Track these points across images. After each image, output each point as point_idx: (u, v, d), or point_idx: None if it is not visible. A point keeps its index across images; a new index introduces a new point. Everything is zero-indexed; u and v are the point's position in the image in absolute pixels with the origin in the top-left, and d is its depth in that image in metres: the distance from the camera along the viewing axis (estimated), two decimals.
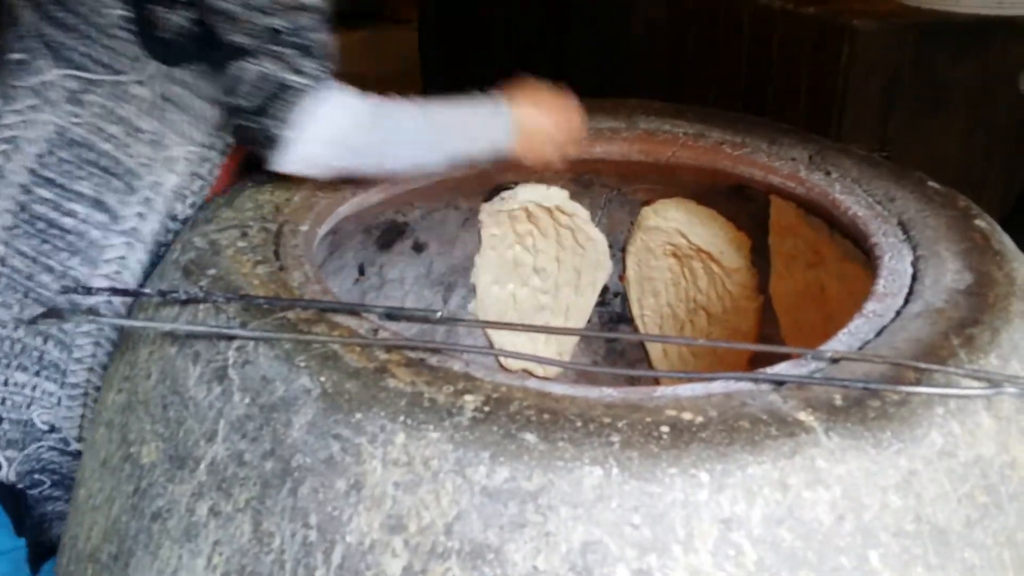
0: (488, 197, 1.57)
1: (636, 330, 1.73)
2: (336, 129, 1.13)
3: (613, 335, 1.80)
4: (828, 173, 1.31)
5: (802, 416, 0.81)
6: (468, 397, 0.82)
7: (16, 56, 1.17)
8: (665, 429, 0.79)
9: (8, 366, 1.18)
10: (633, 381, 1.51)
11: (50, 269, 1.16)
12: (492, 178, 1.52)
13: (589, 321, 1.73)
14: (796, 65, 2.16)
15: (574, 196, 1.59)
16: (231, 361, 0.91)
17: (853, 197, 1.24)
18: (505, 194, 1.56)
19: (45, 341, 1.19)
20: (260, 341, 0.91)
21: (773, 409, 0.82)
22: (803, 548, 0.75)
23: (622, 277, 1.72)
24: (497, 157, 1.29)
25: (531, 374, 1.61)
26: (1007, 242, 1.13)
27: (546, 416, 0.80)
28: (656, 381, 1.59)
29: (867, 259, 1.15)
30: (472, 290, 1.67)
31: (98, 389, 1.23)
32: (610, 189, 1.62)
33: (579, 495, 0.75)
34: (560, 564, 0.74)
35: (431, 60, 4.19)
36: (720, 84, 2.42)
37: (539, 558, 0.74)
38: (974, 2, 2.08)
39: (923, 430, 0.81)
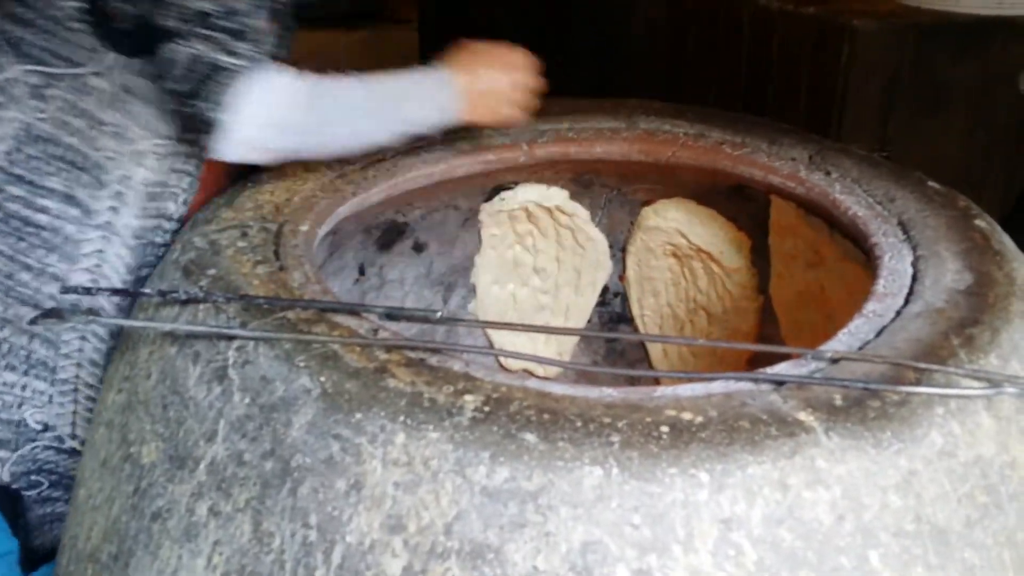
0: (488, 197, 1.57)
1: (636, 330, 1.73)
2: (273, 109, 1.11)
3: (613, 335, 1.80)
4: (828, 173, 1.31)
5: (802, 416, 0.81)
6: (468, 397, 0.83)
7: None
8: (665, 429, 0.79)
9: None
10: (633, 381, 1.51)
11: (28, 267, 1.16)
12: (493, 178, 1.52)
13: (589, 321, 1.73)
14: (796, 65, 2.16)
15: (574, 196, 1.59)
16: (231, 361, 0.91)
17: (853, 197, 1.24)
18: (505, 194, 1.56)
19: (31, 340, 1.18)
20: (260, 341, 0.91)
21: (773, 409, 0.82)
22: (803, 548, 0.75)
23: (622, 277, 1.72)
24: (447, 123, 1.27)
25: (531, 374, 1.61)
26: (1007, 242, 1.13)
27: (546, 416, 0.80)
28: (656, 381, 1.59)
29: (867, 259, 1.15)
30: (472, 290, 1.67)
31: (89, 386, 1.23)
32: (610, 189, 1.62)
33: (579, 495, 0.75)
34: (560, 564, 0.74)
35: (431, 60, 4.19)
36: (720, 84, 2.41)
37: (539, 558, 0.74)
38: (974, 2, 2.08)
39: (923, 430, 0.81)
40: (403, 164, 1.34)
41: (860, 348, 0.93)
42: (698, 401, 0.83)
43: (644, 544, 0.74)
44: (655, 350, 1.74)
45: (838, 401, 0.83)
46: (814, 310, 1.46)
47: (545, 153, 1.46)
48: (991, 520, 0.82)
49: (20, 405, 1.20)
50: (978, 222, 1.15)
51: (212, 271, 1.03)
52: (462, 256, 1.64)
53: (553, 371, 1.66)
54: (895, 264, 1.07)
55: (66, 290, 1.12)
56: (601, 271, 1.69)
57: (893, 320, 0.97)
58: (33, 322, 0.97)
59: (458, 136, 1.41)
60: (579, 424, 0.79)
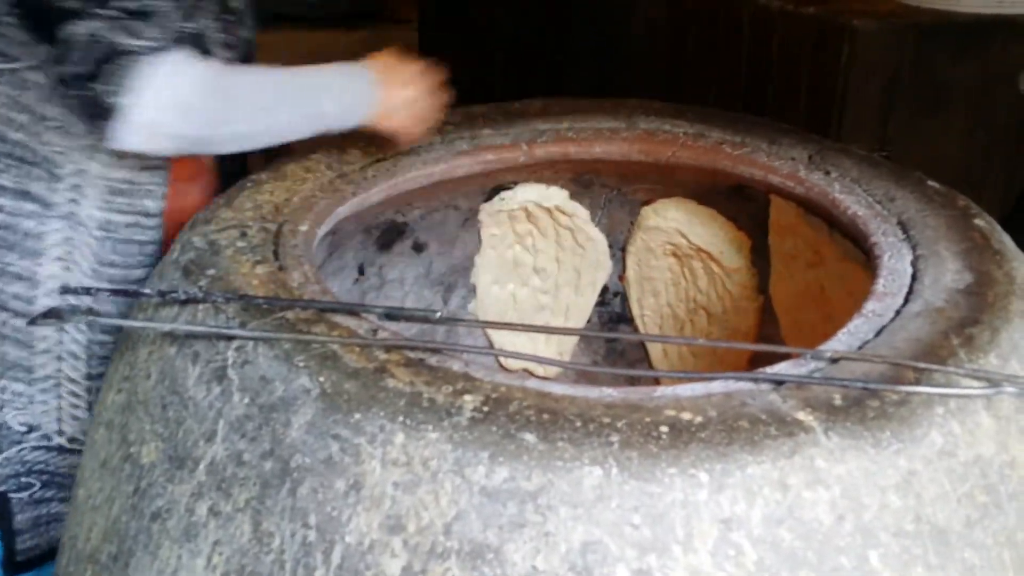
0: (488, 197, 1.57)
1: (636, 330, 1.73)
2: (174, 94, 1.08)
3: (613, 335, 1.80)
4: (828, 173, 1.31)
5: (801, 416, 0.81)
6: (467, 397, 0.82)
7: None
8: (664, 429, 0.79)
9: None
10: (633, 381, 1.51)
11: None
12: (492, 178, 1.52)
13: (589, 321, 1.73)
14: (796, 65, 2.16)
15: (574, 196, 1.59)
16: (230, 361, 0.91)
17: (853, 197, 1.24)
18: (505, 194, 1.56)
19: (2, 342, 1.18)
20: (259, 341, 0.91)
21: (773, 409, 0.82)
22: (803, 548, 0.75)
23: (622, 277, 1.72)
24: (361, 125, 1.24)
25: (531, 374, 1.61)
26: (1007, 241, 1.12)
27: (545, 416, 0.80)
28: (656, 381, 1.59)
29: (867, 259, 1.15)
30: (472, 290, 1.67)
31: (72, 380, 1.23)
32: (610, 189, 1.62)
33: (579, 495, 0.75)
34: (560, 564, 0.74)
35: (431, 60, 4.19)
36: (720, 84, 2.41)
37: (538, 558, 0.74)
38: (974, 2, 2.08)
39: (923, 430, 0.81)
40: (403, 164, 1.34)
41: (860, 348, 0.93)
42: (698, 401, 0.83)
43: (644, 544, 0.74)
44: (655, 350, 1.74)
45: (838, 401, 0.83)
46: (814, 310, 1.46)
47: (545, 153, 1.46)
48: (991, 520, 0.82)
49: (0, 408, 1.20)
50: (978, 222, 1.15)
51: (211, 271, 1.03)
52: (462, 256, 1.64)
53: (553, 371, 1.66)
54: (895, 264, 1.07)
55: (65, 290, 1.12)
56: (601, 271, 1.69)
57: (893, 320, 0.97)
58: (32, 323, 0.97)
59: (457, 136, 1.41)
60: (579, 424, 0.79)
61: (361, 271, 1.53)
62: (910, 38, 2.04)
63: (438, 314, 1.00)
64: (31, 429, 1.24)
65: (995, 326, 0.94)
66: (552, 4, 3.24)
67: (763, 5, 2.24)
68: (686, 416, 0.81)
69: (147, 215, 1.21)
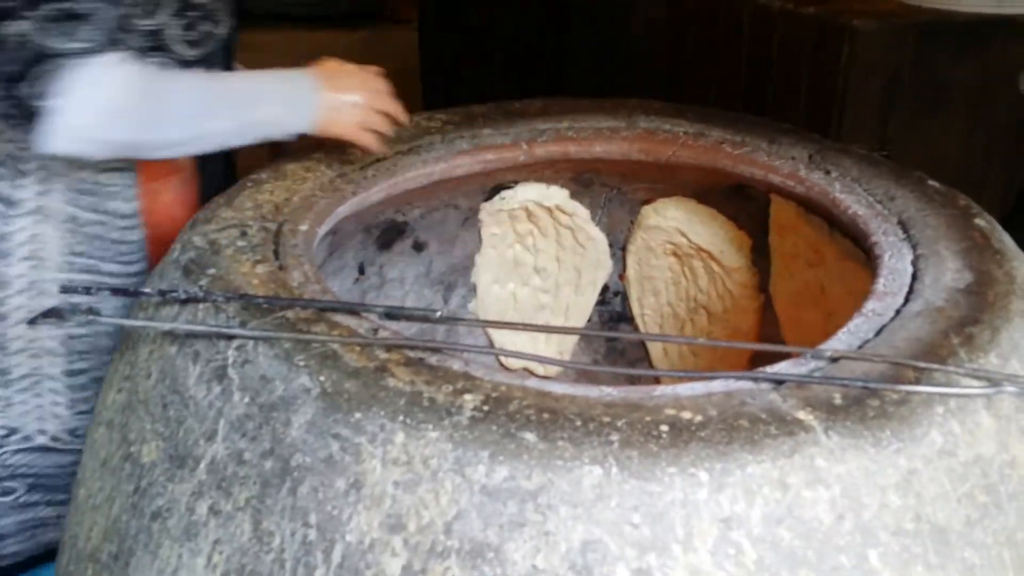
0: (488, 196, 1.57)
1: (636, 329, 1.73)
2: (102, 98, 1.06)
3: (613, 334, 1.80)
4: (828, 172, 1.31)
5: (801, 415, 0.81)
6: (467, 396, 0.82)
7: None
8: (664, 428, 0.79)
9: None
10: (633, 380, 1.51)
11: None
12: (492, 177, 1.53)
13: (589, 320, 1.73)
14: (796, 65, 2.16)
15: (574, 195, 1.59)
16: (231, 360, 0.91)
17: (853, 196, 1.24)
18: (505, 193, 1.56)
19: None
20: (260, 340, 0.91)
21: (773, 408, 0.82)
22: (803, 547, 0.75)
23: (622, 276, 1.72)
24: (302, 131, 1.22)
25: (531, 373, 1.61)
26: (1007, 241, 1.13)
27: (545, 415, 0.80)
28: (656, 380, 1.59)
29: (867, 258, 1.15)
30: (472, 289, 1.67)
31: (52, 377, 1.22)
32: (610, 188, 1.62)
33: (579, 494, 0.75)
34: (560, 563, 0.74)
35: (431, 60, 4.19)
36: (720, 84, 2.41)
37: (538, 557, 0.74)
38: (974, 1, 2.08)
39: (923, 429, 0.81)
40: (403, 163, 1.34)
41: (860, 347, 0.93)
42: (698, 400, 0.83)
43: (644, 543, 0.74)
44: (655, 349, 1.74)
45: (837, 400, 0.83)
46: (814, 309, 1.46)
47: (545, 152, 1.46)
48: (991, 519, 0.82)
49: None
50: (978, 221, 1.15)
51: (212, 270, 1.03)
52: (462, 255, 1.64)
53: (553, 370, 1.66)
54: (895, 263, 1.07)
55: (65, 289, 1.11)
56: (601, 270, 1.69)
57: (893, 319, 0.97)
58: (32, 322, 0.96)
59: (457, 135, 1.41)
60: (579, 423, 0.79)
61: (361, 270, 1.53)
62: (910, 38, 2.04)
63: (438, 313, 1.00)
64: (11, 432, 1.23)
65: (995, 325, 0.94)
66: (552, 4, 3.24)
67: (763, 5, 2.24)
68: (686, 415, 0.81)
69: (119, 216, 1.20)
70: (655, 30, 2.69)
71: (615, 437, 0.78)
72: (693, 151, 1.42)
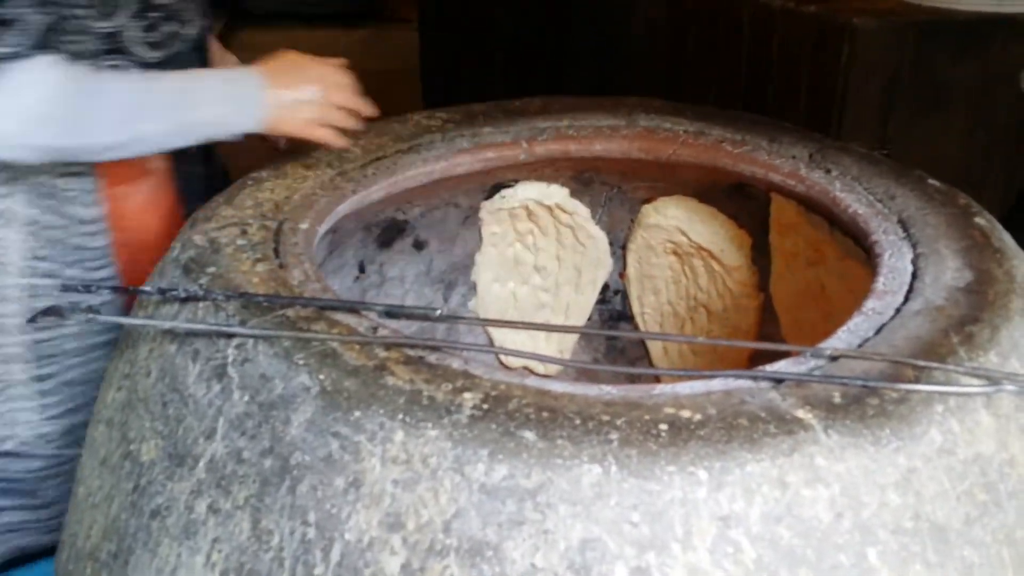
0: (488, 195, 1.57)
1: (636, 328, 1.73)
2: (29, 103, 1.05)
3: (613, 333, 1.80)
4: (828, 171, 1.31)
5: (801, 414, 0.81)
6: (467, 395, 0.82)
7: None
8: (664, 427, 0.79)
9: None
10: (633, 379, 1.51)
11: None
12: (493, 175, 1.53)
13: (589, 319, 1.73)
14: (796, 64, 2.16)
15: (574, 194, 1.59)
16: (230, 359, 0.91)
17: (853, 195, 1.24)
18: (505, 192, 1.56)
19: None
20: (259, 339, 0.91)
21: (772, 407, 0.82)
22: (802, 546, 0.75)
23: (622, 275, 1.72)
24: (248, 130, 1.20)
25: (531, 372, 1.61)
26: (1007, 240, 1.12)
27: (545, 414, 0.80)
28: (656, 379, 1.59)
29: (867, 257, 1.15)
30: (472, 288, 1.67)
31: (22, 382, 1.21)
32: (610, 187, 1.62)
33: (578, 493, 0.75)
34: (559, 562, 0.74)
35: (431, 60, 4.19)
36: (720, 84, 2.42)
37: (537, 556, 0.74)
38: (974, 0, 2.08)
39: (922, 428, 0.81)
40: (403, 162, 1.34)
41: (860, 346, 0.93)
42: (697, 399, 0.83)
43: (643, 542, 0.74)
44: (655, 348, 1.74)
45: (837, 399, 0.83)
46: (814, 308, 1.46)
47: (545, 151, 1.46)
48: (990, 518, 0.82)
49: None
50: (978, 220, 1.15)
51: (212, 269, 1.03)
52: (462, 254, 1.64)
53: (553, 369, 1.66)
54: (895, 262, 1.07)
55: (64, 287, 1.11)
56: (601, 269, 1.69)
57: (893, 318, 0.97)
58: (32, 319, 0.96)
59: (458, 134, 1.41)
60: (578, 422, 0.79)
61: (361, 269, 1.53)
62: (910, 37, 2.04)
63: (438, 312, 0.99)
64: None
65: (995, 324, 0.94)
66: (552, 4, 3.25)
67: (763, 4, 2.24)
68: (685, 414, 0.81)
69: (80, 221, 1.19)
70: (655, 30, 2.69)
71: (614, 436, 0.78)
72: (693, 150, 1.42)
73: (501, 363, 1.67)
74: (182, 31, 1.24)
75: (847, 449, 0.78)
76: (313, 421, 0.83)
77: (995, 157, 2.19)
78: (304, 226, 1.14)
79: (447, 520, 0.76)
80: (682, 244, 1.62)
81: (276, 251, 1.08)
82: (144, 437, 0.95)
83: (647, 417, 0.80)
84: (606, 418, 0.80)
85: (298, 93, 1.20)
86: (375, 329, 0.94)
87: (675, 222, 1.60)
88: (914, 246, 1.10)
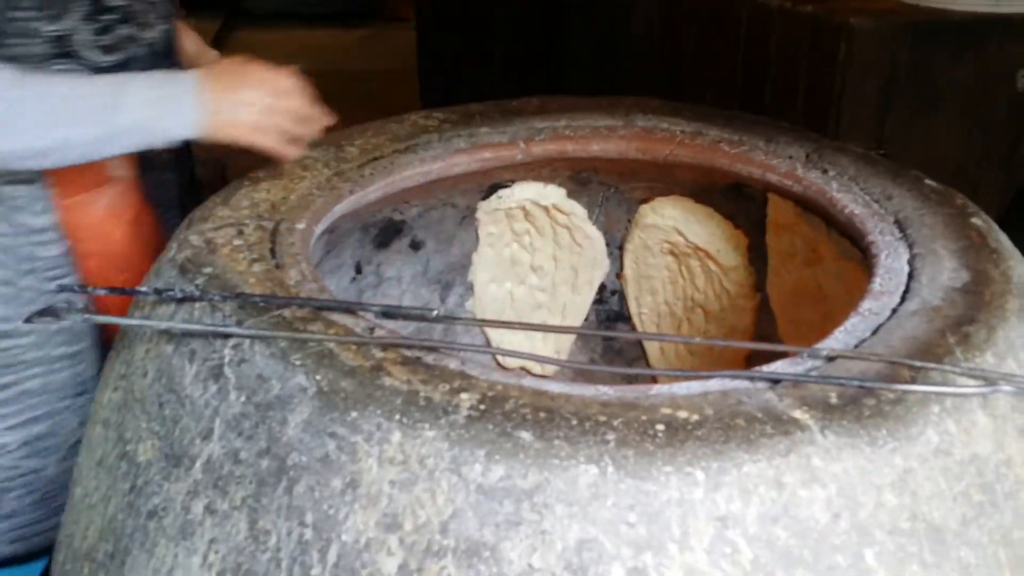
0: (485, 195, 1.57)
1: (633, 328, 1.73)
2: None
3: (610, 333, 1.80)
4: (825, 171, 1.31)
5: (798, 414, 0.81)
6: (464, 395, 0.82)
7: None
8: (661, 427, 0.79)
9: None
10: (630, 379, 1.51)
11: None
12: (490, 176, 1.52)
13: (586, 319, 1.73)
14: (793, 64, 2.17)
15: (571, 194, 1.59)
16: (227, 359, 0.90)
17: (850, 195, 1.24)
18: (502, 192, 1.56)
19: None
20: (256, 339, 0.91)
21: (769, 407, 0.82)
22: (799, 546, 0.75)
23: (619, 275, 1.72)
24: (183, 138, 1.14)
25: (528, 372, 1.61)
26: (1004, 240, 1.13)
27: (542, 414, 0.80)
28: (653, 379, 1.59)
29: (864, 257, 1.15)
30: (469, 288, 1.67)
31: None
32: (607, 187, 1.62)
33: (574, 493, 0.75)
34: (556, 562, 0.74)
35: (429, 59, 4.19)
36: (718, 84, 2.42)
37: (534, 556, 0.74)
38: (971, 1, 2.09)
39: (919, 428, 0.81)
40: (400, 162, 1.34)
41: (856, 346, 0.93)
42: (694, 399, 0.83)
43: (639, 542, 0.74)
44: (652, 348, 1.74)
45: (834, 399, 0.83)
46: (811, 308, 1.46)
47: (542, 151, 1.46)
48: (987, 518, 0.82)
49: None
50: (975, 220, 1.15)
51: (208, 269, 1.03)
52: (459, 254, 1.64)
53: (550, 369, 1.66)
54: (891, 262, 1.07)
55: (61, 288, 1.11)
56: (598, 269, 1.69)
57: (889, 318, 0.97)
58: (28, 320, 0.96)
59: (455, 134, 1.41)
60: (575, 422, 0.79)
61: (358, 269, 1.53)
62: (907, 37, 2.05)
63: (435, 312, 0.99)
64: None
65: (991, 324, 0.94)
66: (552, 4, 3.25)
67: (761, 4, 2.24)
68: (682, 414, 0.81)
69: (32, 231, 1.16)
70: (654, 30, 2.69)
71: (611, 436, 0.78)
72: (690, 150, 1.42)
73: (498, 363, 1.67)
74: (139, 34, 1.20)
75: (844, 450, 0.78)
76: (310, 422, 0.82)
77: (992, 157, 2.19)
78: (301, 226, 1.14)
79: (444, 521, 0.76)
80: (679, 244, 1.62)
81: (273, 251, 1.08)
82: (140, 437, 0.95)
83: (644, 418, 0.80)
84: (603, 419, 0.80)
85: (238, 96, 1.14)
86: (372, 330, 0.94)
87: (672, 222, 1.60)
88: (911, 246, 1.10)
